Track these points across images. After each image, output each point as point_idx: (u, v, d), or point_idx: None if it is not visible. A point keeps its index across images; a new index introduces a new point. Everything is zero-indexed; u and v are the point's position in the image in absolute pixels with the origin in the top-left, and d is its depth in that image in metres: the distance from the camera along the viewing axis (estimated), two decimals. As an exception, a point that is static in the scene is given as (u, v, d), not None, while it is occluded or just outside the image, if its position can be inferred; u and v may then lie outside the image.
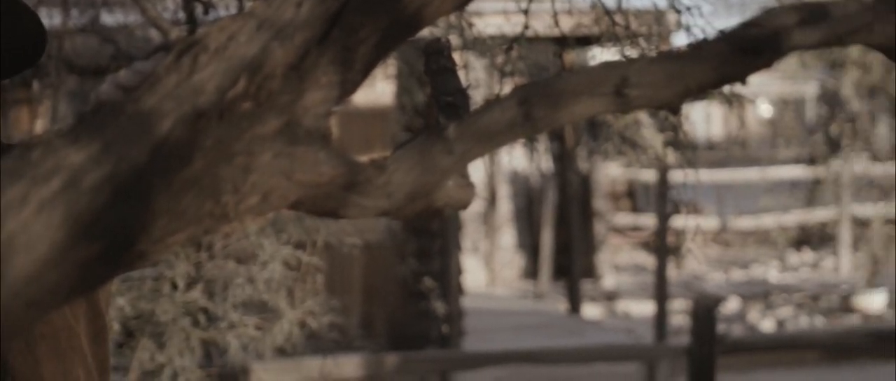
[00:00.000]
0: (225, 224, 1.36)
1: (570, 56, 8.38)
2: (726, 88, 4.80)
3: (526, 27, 4.54)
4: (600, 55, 5.75)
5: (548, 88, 1.99)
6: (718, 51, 1.81)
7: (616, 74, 1.91)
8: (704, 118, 35.94)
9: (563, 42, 5.48)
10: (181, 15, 5.32)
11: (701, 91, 1.87)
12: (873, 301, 14.25)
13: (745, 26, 1.79)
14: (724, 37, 1.82)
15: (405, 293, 10.75)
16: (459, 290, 10.94)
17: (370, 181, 1.51)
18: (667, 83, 1.82)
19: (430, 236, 10.77)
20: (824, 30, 1.75)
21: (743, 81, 1.85)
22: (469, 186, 1.74)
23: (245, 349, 6.35)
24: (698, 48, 1.85)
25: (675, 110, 1.83)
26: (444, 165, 1.61)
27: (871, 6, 1.71)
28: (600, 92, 1.91)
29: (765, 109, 33.27)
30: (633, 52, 4.37)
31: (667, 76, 1.83)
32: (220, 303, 6.16)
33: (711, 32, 1.95)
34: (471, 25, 5.22)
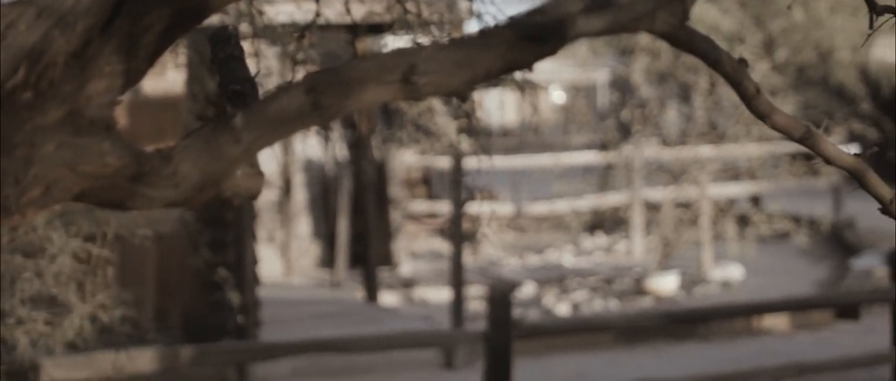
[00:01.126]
0: (7, 218, 1.33)
1: (363, 44, 8.38)
2: (518, 75, 4.86)
3: (317, 15, 4.52)
4: (393, 43, 5.76)
5: (336, 77, 1.99)
6: (505, 38, 1.84)
7: (404, 61, 1.92)
8: (498, 105, 36.35)
9: (355, 30, 5.47)
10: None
11: (488, 78, 1.90)
12: (665, 283, 14.60)
13: (531, 14, 1.82)
14: (511, 25, 1.84)
15: (200, 285, 10.61)
16: (255, 280, 10.85)
17: (157, 171, 1.49)
18: (454, 70, 1.84)
19: (225, 226, 10.65)
20: (608, 18, 1.79)
21: (530, 67, 1.89)
22: (258, 175, 1.73)
23: (34, 345, 6.20)
24: (485, 36, 1.87)
25: (464, 97, 1.84)
26: (232, 155, 1.60)
27: (653, -6, 1.75)
28: (388, 80, 1.92)
29: (557, 96, 33.82)
30: (425, 40, 4.39)
31: (454, 64, 1.85)
32: (8, 299, 6.00)
33: (501, 20, 1.98)
34: (261, 13, 5.17)
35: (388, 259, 15.24)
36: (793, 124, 1.87)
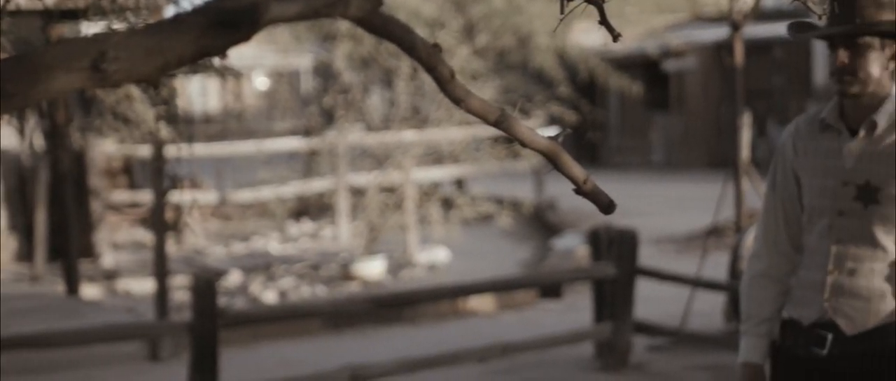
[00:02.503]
0: None
1: (58, 31, 8.13)
2: (218, 62, 4.79)
3: (7, 1, 4.35)
4: (88, 30, 5.60)
5: (22, 64, 1.90)
6: (197, 24, 1.79)
7: (94, 48, 1.85)
8: (201, 92, 35.96)
9: (48, 16, 5.30)
10: None
11: (181, 65, 1.84)
12: (372, 268, 14.69)
13: (224, 0, 1.78)
14: (203, 10, 1.79)
15: None
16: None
17: None
18: (146, 57, 1.78)
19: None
20: (302, 3, 1.76)
21: (223, 54, 1.84)
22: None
23: None
24: (177, 22, 1.82)
25: (156, 84, 1.78)
26: None
27: (347, -21, 1.73)
28: (77, 67, 1.84)
29: (260, 82, 33.66)
30: (120, 26, 4.28)
31: (145, 50, 1.79)
32: None
33: (194, 6, 1.92)
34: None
35: (89, 251, 14.87)
36: (488, 108, 1.88)
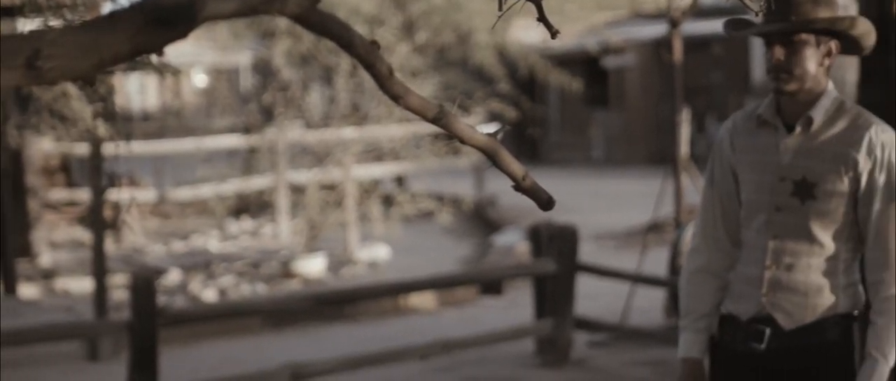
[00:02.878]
0: None
1: (-7, 28, 8.04)
2: (155, 58, 4.76)
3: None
4: (24, 27, 5.55)
5: (-46, 62, 1.87)
6: (133, 21, 1.77)
7: (28, 45, 1.83)
8: (139, 89, 35.72)
9: (-17, 13, 5.24)
10: None
11: (117, 62, 1.83)
12: (312, 266, 14.64)
13: (160, -4, 1.77)
14: (139, 7, 1.78)
15: None
16: None
17: None
18: (81, 55, 1.76)
19: None
20: (239, 1, 1.75)
21: (159, 51, 1.83)
22: None
23: None
24: (113, 19, 1.80)
25: (92, 82, 1.77)
26: None
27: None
28: (12, 64, 1.82)
29: (200, 80, 33.48)
30: (56, 24, 4.24)
31: (81, 48, 1.77)
32: None
33: (131, 3, 1.91)
34: None
35: (26, 250, 14.73)
36: (426, 105, 1.88)
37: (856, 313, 3.89)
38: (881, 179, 3.81)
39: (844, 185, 3.82)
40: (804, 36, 3.80)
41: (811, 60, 3.83)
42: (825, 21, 3.79)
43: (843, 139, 3.84)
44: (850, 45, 3.92)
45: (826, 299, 3.87)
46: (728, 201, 4.06)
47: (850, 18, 3.84)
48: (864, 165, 3.81)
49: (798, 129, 3.87)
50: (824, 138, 3.85)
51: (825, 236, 3.86)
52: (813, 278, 3.87)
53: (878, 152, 3.81)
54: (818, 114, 3.85)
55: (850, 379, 3.84)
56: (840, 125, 3.86)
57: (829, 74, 3.90)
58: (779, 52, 3.82)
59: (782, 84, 3.83)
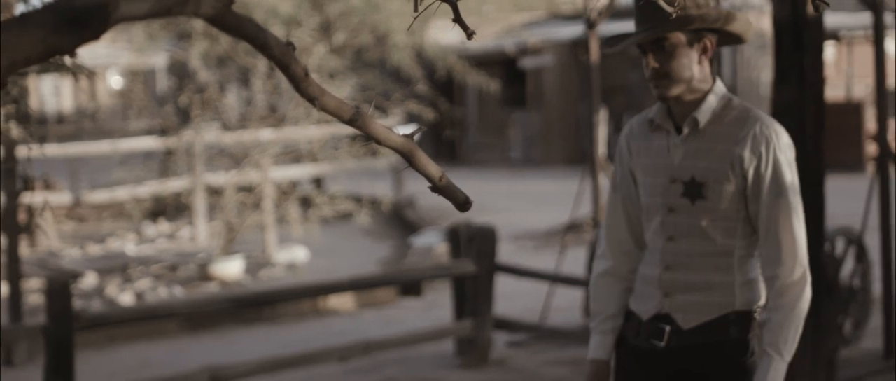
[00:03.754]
0: None
1: None
2: (68, 60, 4.71)
3: None
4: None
5: None
6: (45, 23, 1.75)
7: (-63, 47, 1.80)
8: (54, 91, 35.35)
9: None
10: None
11: (29, 64, 1.81)
12: (230, 268, 14.57)
13: (72, -3, 1.75)
14: (51, 8, 1.76)
15: None
16: None
17: None
18: (-9, 56, 1.74)
19: None
20: (152, 2, 1.74)
21: (72, 53, 1.81)
22: None
23: None
24: (24, 20, 1.78)
25: (3, 83, 1.74)
26: None
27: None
28: (-80, 66, 1.79)
29: (115, 81, 33.19)
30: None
31: (-9, 49, 1.75)
32: None
33: (42, 3, 1.89)
34: None
35: (-61, 255, 14.53)
36: (342, 106, 1.88)
37: (754, 309, 3.93)
38: (768, 174, 3.86)
39: (733, 182, 3.87)
40: (675, 39, 3.84)
41: (687, 61, 3.86)
42: (685, 19, 3.82)
43: (729, 137, 3.88)
44: (727, 37, 3.97)
45: (723, 297, 3.92)
46: (630, 204, 4.12)
47: (719, 14, 3.87)
48: (750, 161, 3.86)
49: (686, 130, 3.92)
50: (711, 137, 3.90)
51: (718, 234, 3.91)
52: (709, 277, 3.93)
53: (764, 149, 3.85)
54: (704, 114, 3.90)
55: (749, 376, 3.89)
56: (727, 123, 3.91)
57: (714, 71, 3.96)
58: (654, 58, 3.87)
59: (663, 90, 3.88)
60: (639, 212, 4.10)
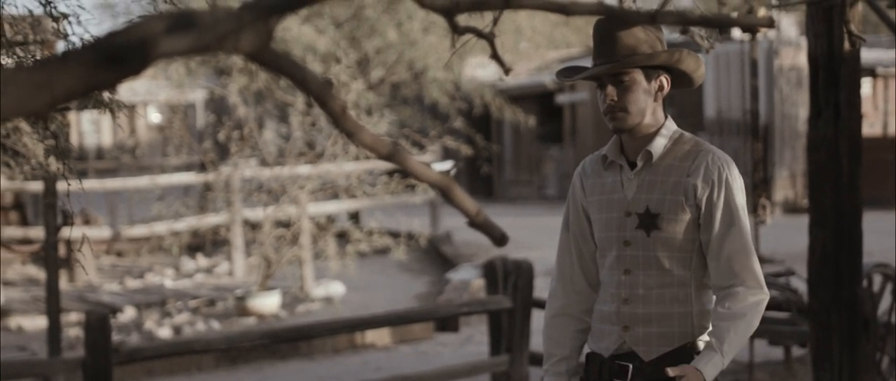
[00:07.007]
0: None
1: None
2: (107, 95, 4.76)
3: None
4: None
5: None
6: (86, 59, 1.78)
7: (-19, 83, 1.83)
8: (94, 126, 35.58)
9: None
10: None
11: (69, 99, 1.84)
12: (267, 303, 14.60)
13: (112, 35, 1.78)
14: (92, 46, 1.79)
15: None
16: None
17: None
18: (34, 92, 1.77)
19: None
20: (192, 38, 1.76)
21: (112, 88, 1.84)
22: None
23: None
24: (66, 57, 1.81)
25: (46, 119, 1.77)
26: None
27: (238, 15, 1.74)
28: (-36, 102, 1.82)
29: (154, 117, 33.37)
30: (9, 62, 4.23)
31: (34, 85, 1.78)
32: None
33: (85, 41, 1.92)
34: None
35: (-21, 289, 14.62)
36: (379, 142, 1.89)
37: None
38: (720, 203, 3.93)
39: (686, 213, 3.93)
40: (632, 74, 3.91)
41: (643, 96, 3.95)
42: (645, 56, 3.88)
43: (681, 169, 3.96)
44: (680, 79, 4.03)
45: (682, 327, 3.95)
46: (583, 242, 4.16)
47: (671, 52, 3.95)
48: (702, 191, 3.93)
49: (639, 164, 3.98)
50: (664, 170, 3.98)
51: (674, 265, 3.94)
52: (666, 308, 3.95)
53: (715, 178, 3.93)
54: (657, 147, 3.98)
55: None
56: (679, 156, 3.98)
57: (666, 107, 4.01)
58: (611, 91, 3.96)
59: (619, 122, 3.96)
60: (592, 251, 4.14)
